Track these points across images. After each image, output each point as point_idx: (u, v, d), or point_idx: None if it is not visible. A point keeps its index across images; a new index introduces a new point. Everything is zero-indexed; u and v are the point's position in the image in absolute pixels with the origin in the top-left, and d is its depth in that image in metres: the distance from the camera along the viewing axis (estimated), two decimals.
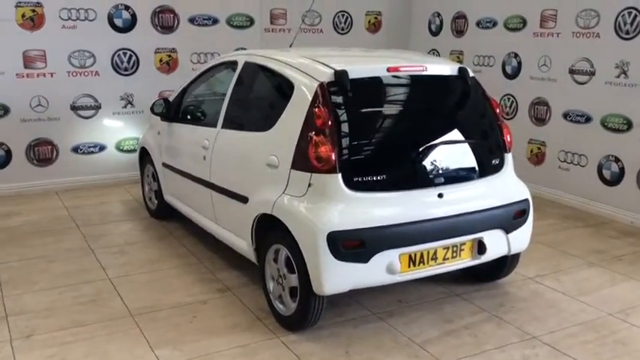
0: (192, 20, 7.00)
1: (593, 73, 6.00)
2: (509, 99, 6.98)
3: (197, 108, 4.86)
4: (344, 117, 3.54)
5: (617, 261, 4.86)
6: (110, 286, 4.24)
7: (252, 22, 7.33)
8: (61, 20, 6.35)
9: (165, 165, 5.29)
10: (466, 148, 3.88)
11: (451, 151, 3.80)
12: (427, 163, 3.60)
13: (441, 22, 7.88)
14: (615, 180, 5.88)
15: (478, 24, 7.30)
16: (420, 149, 3.64)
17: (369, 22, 8.10)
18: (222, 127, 4.34)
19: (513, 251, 4.03)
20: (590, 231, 5.58)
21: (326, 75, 3.56)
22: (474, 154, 3.88)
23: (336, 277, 3.37)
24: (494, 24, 7.07)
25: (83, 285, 4.27)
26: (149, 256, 4.84)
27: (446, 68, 4.00)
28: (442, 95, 4.03)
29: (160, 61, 6.92)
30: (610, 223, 5.78)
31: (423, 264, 3.62)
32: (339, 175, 3.39)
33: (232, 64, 4.55)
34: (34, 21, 6.22)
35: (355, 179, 3.42)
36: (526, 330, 3.73)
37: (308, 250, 3.36)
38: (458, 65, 4.02)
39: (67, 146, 6.65)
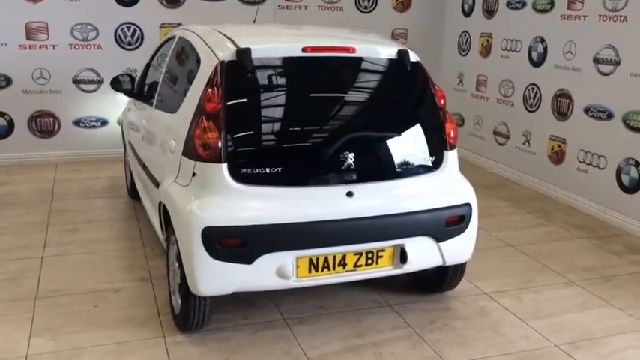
0: None
1: (617, 63, 5.22)
2: (533, 89, 6.27)
3: (148, 86, 4.66)
4: (241, 100, 3.20)
5: (603, 282, 4.20)
6: (38, 265, 4.16)
7: None
8: None
9: (128, 143, 5.15)
10: (391, 142, 3.42)
11: (370, 146, 3.38)
12: (337, 157, 3.18)
13: (474, 1, 7.20)
14: (634, 187, 5.12)
15: (508, 4, 6.60)
16: (330, 141, 3.25)
17: (397, 0, 7.55)
18: (155, 106, 4.12)
19: (450, 262, 3.56)
20: (592, 244, 4.88)
21: (228, 53, 3.23)
22: (400, 149, 3.42)
23: (213, 277, 3.07)
24: (524, 4, 6.35)
25: (14, 261, 4.22)
26: (99, 236, 4.73)
27: (382, 51, 3.53)
28: (371, 81, 3.58)
29: (165, 36, 6.76)
30: (621, 236, 5.05)
31: (329, 270, 3.24)
32: (224, 166, 3.06)
33: (172, 39, 4.30)
34: None
35: (243, 171, 3.08)
36: (442, 354, 3.26)
37: (183, 245, 3.09)
38: (397, 48, 3.54)
39: (69, 119, 6.69)
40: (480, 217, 5.15)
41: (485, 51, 7.00)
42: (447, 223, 3.43)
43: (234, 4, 6.93)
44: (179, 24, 6.72)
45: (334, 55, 3.39)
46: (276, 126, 3.28)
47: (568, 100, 5.81)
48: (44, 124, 6.59)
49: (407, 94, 3.60)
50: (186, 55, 3.85)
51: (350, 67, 3.47)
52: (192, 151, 3.13)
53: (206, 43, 3.47)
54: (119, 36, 6.63)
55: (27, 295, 3.74)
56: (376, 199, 3.28)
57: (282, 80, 3.38)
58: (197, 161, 3.11)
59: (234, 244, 3.04)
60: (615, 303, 3.89)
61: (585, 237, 5.03)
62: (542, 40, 6.11)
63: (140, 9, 6.63)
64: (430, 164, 3.45)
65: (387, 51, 3.52)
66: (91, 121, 6.77)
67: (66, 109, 6.65)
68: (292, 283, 3.19)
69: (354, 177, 3.22)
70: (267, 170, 3.11)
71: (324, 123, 3.34)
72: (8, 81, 6.40)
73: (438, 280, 3.82)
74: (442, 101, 3.57)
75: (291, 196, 3.14)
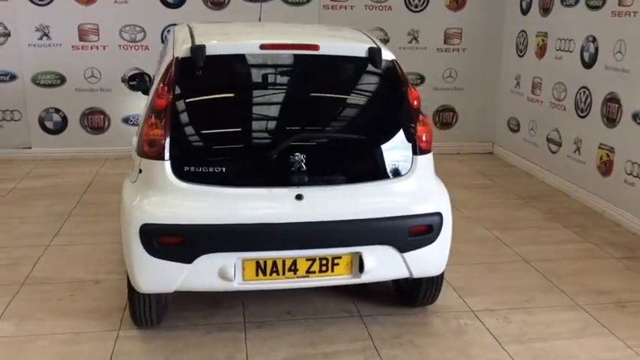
0: None
1: None
2: (584, 92, 5.74)
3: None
4: (189, 98, 3.16)
5: (616, 308, 3.75)
6: (38, 253, 4.34)
7: None
8: None
9: None
10: (349, 144, 3.24)
11: (324, 147, 3.22)
12: (286, 158, 3.05)
13: None
14: None
15: (562, 1, 6.10)
16: (280, 141, 3.11)
17: None
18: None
19: (417, 275, 3.33)
20: (623, 265, 4.38)
21: (183, 50, 3.20)
22: (360, 152, 3.25)
23: (152, 274, 3.05)
24: (577, 1, 5.84)
25: (20, 248, 4.44)
26: (108, 228, 4.87)
27: (350, 48, 3.36)
28: (334, 80, 3.40)
29: None
30: None
31: (278, 274, 3.12)
32: (167, 163, 3.03)
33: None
34: None
35: (187, 169, 3.03)
36: None
37: (124, 241, 3.08)
38: (368, 45, 3.34)
39: (118, 116, 6.98)
40: (508, 230, 4.93)
41: (541, 51, 6.51)
42: (410, 233, 3.20)
43: (278, 4, 6.93)
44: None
45: (295, 53, 3.26)
46: (224, 124, 3.20)
47: (617, 105, 5.27)
48: (95, 121, 6.93)
49: (374, 93, 3.41)
50: (163, 53, 3.86)
51: (312, 65, 3.32)
52: (140, 147, 3.13)
53: (174, 40, 3.46)
54: (165, 37, 6.82)
55: (15, 280, 3.92)
56: (328, 204, 3.11)
57: (236, 78, 3.30)
58: (143, 158, 3.10)
59: (173, 242, 3.00)
60: (618, 332, 3.45)
61: (619, 257, 4.52)
62: (594, 40, 5.58)
63: (185, 11, 6.78)
64: (395, 169, 3.23)
65: (355, 49, 3.34)
66: (138, 119, 7.00)
67: (115, 107, 6.94)
68: (237, 285, 3.10)
69: (305, 179, 3.07)
70: (212, 169, 3.04)
71: (275, 122, 3.23)
72: (62, 79, 6.78)
73: (413, 294, 3.58)
74: (415, 102, 3.33)
75: (234, 197, 3.05)
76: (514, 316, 3.62)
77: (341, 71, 3.38)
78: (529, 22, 6.75)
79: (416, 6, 7.16)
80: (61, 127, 6.92)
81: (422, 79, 7.38)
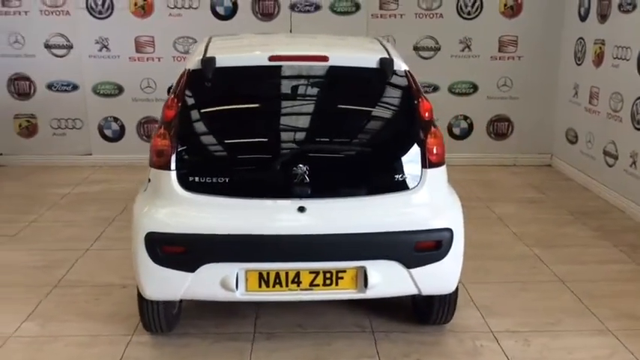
0: (293, 7, 6.92)
1: None
2: None
3: None
4: (198, 109, 3.22)
5: None
6: (76, 257, 4.54)
7: (358, 7, 6.94)
8: (168, 8, 6.85)
9: None
10: (355, 156, 3.21)
11: (329, 159, 3.20)
12: (290, 169, 3.04)
13: (589, 3, 6.41)
14: None
15: (620, 6, 5.77)
16: (284, 153, 3.12)
17: (505, 4, 6.98)
18: None
19: (427, 292, 3.23)
20: None
21: (194, 62, 3.27)
22: (366, 165, 3.20)
23: (157, 282, 3.11)
24: (635, 6, 5.52)
25: (60, 251, 4.64)
26: None
27: (360, 59, 3.32)
28: (343, 91, 3.35)
29: None
30: None
31: (281, 286, 3.12)
32: (173, 173, 3.09)
33: None
34: (144, 9, 6.84)
35: (192, 179, 3.09)
36: None
37: (132, 249, 3.16)
38: (379, 56, 3.29)
39: None
40: (551, 247, 4.71)
41: (598, 59, 6.19)
42: (417, 249, 3.11)
43: (327, 14, 6.94)
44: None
45: (304, 64, 3.26)
46: (230, 135, 3.21)
47: None
48: (150, 130, 7.17)
49: (384, 105, 3.34)
50: None
51: (321, 76, 3.31)
52: (150, 157, 3.21)
53: (191, 53, 3.53)
54: None
55: (48, 282, 4.10)
56: (331, 216, 3.08)
57: (244, 90, 3.32)
58: (152, 167, 3.18)
59: (176, 251, 3.06)
60: None
61: None
62: None
63: (236, 22, 6.92)
64: (403, 182, 3.15)
65: (365, 59, 3.30)
66: None
67: None
68: (240, 296, 3.12)
69: (308, 191, 3.06)
70: (216, 179, 3.08)
71: (281, 134, 3.22)
72: (120, 89, 7.07)
73: (426, 312, 3.48)
74: (427, 114, 3.24)
75: (237, 207, 3.07)
76: (535, 339, 3.44)
77: (350, 82, 3.33)
78: (587, 29, 6.44)
79: (468, 13, 6.98)
80: (119, 135, 7.22)
81: (475, 87, 7.19)
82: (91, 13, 6.85)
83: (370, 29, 6.97)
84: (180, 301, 3.58)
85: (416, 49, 7.07)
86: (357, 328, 3.55)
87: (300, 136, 3.22)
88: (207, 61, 3.20)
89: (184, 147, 3.12)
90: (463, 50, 7.09)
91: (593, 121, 6.32)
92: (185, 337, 3.45)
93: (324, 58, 3.24)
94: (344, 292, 3.17)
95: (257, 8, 6.93)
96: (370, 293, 3.15)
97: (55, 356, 3.27)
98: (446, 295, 3.34)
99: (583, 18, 6.54)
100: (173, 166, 3.09)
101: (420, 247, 3.12)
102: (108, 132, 7.21)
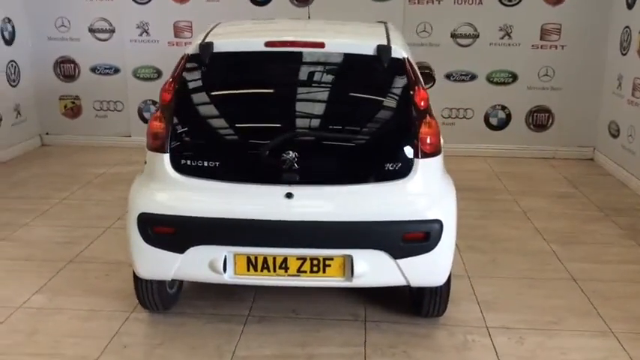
0: None
1: None
2: None
3: None
4: (193, 93, 3.27)
5: None
6: (96, 234, 4.71)
7: None
8: None
9: None
10: (345, 144, 3.19)
11: (319, 146, 3.18)
12: (279, 155, 3.06)
13: None
14: None
15: None
16: (276, 139, 3.12)
17: None
18: None
19: (415, 284, 3.20)
20: None
21: (193, 46, 3.32)
22: (356, 153, 3.17)
23: (148, 261, 3.20)
24: None
25: (83, 228, 4.83)
26: None
27: (357, 46, 3.29)
28: (338, 78, 3.33)
29: None
30: None
31: (269, 271, 3.15)
32: (167, 156, 3.17)
33: None
34: None
35: (184, 162, 3.15)
36: None
37: (126, 228, 3.26)
38: (377, 43, 3.24)
39: None
40: (571, 244, 4.57)
41: None
42: (405, 239, 3.07)
43: (364, 1, 6.86)
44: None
45: (300, 50, 3.25)
46: (222, 120, 3.26)
47: None
48: None
49: (378, 92, 3.29)
50: None
51: (317, 62, 3.29)
52: (147, 140, 3.29)
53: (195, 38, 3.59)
54: None
55: (65, 257, 4.28)
56: (318, 203, 3.08)
57: (240, 75, 3.33)
58: (149, 150, 3.26)
59: (166, 232, 3.13)
60: None
61: None
62: None
63: (272, 7, 6.96)
64: (393, 171, 3.11)
65: (362, 46, 3.26)
66: None
67: None
68: (228, 279, 3.17)
69: (296, 177, 3.07)
70: (207, 163, 3.13)
71: (272, 119, 3.22)
72: (159, 73, 7.25)
73: (418, 304, 3.44)
74: (422, 103, 3.18)
75: (226, 191, 3.11)
76: (531, 338, 3.35)
77: (346, 69, 3.31)
78: (634, 17, 6.12)
79: (509, 0, 6.76)
80: None
81: (514, 77, 6.98)
82: None
83: (407, 16, 6.87)
84: (181, 281, 3.69)
85: (453, 36, 6.92)
86: (350, 317, 3.55)
87: (292, 122, 3.22)
88: (205, 46, 3.24)
89: (178, 130, 3.18)
90: (503, 38, 6.88)
91: (635, 114, 6.02)
92: (181, 316, 3.54)
93: (321, 45, 3.23)
94: (331, 279, 3.17)
95: None
96: (357, 282, 3.14)
97: (56, 328, 3.41)
98: (437, 288, 3.29)
99: (630, 5, 6.22)
100: (167, 148, 3.16)
101: (408, 238, 3.08)
102: (147, 114, 7.41)
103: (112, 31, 7.16)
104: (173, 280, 3.49)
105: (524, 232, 4.86)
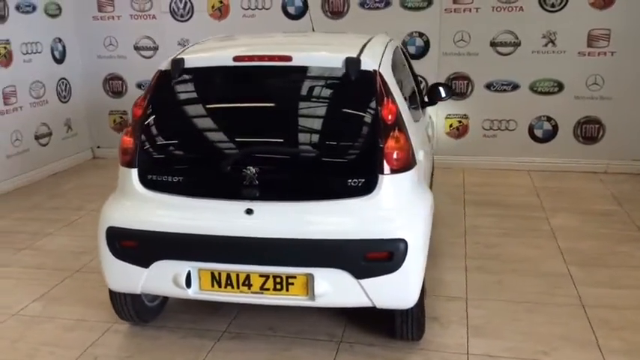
0: (362, 4, 6.80)
1: None
2: None
3: None
4: (161, 109, 3.29)
5: None
6: None
7: (430, 1, 6.64)
8: (242, 10, 7.08)
9: None
10: (307, 160, 3.11)
11: (280, 162, 3.11)
12: (242, 171, 3.01)
13: None
14: None
15: None
16: (235, 154, 3.10)
17: None
18: None
19: (381, 306, 3.06)
20: None
21: (166, 62, 3.35)
22: (318, 169, 3.08)
23: (117, 275, 3.25)
24: None
25: None
26: None
27: (324, 59, 3.21)
28: (304, 92, 3.24)
29: None
30: None
31: (232, 287, 3.12)
32: (135, 171, 3.21)
33: None
34: (221, 11, 7.13)
35: (150, 177, 3.18)
36: None
37: (97, 242, 3.31)
38: (345, 55, 3.13)
39: None
40: (593, 267, 4.26)
41: None
42: (367, 259, 2.94)
43: (397, 10, 6.72)
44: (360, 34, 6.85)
45: (268, 65, 3.19)
46: (188, 136, 3.25)
47: None
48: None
49: (343, 107, 3.18)
50: None
51: (284, 76, 3.22)
52: (118, 155, 3.35)
53: None
54: None
55: (72, 268, 4.42)
56: (278, 220, 3.01)
57: (208, 90, 3.32)
58: (120, 165, 3.31)
59: (132, 246, 3.16)
60: None
61: None
62: None
63: (306, 21, 6.89)
64: (356, 188, 2.98)
65: (329, 59, 3.18)
66: None
67: None
68: (193, 294, 3.16)
69: (256, 193, 3.01)
70: (171, 178, 3.15)
71: (235, 135, 3.18)
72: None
73: (392, 327, 3.27)
74: (389, 117, 3.04)
75: (189, 206, 3.11)
76: None
77: (313, 83, 3.22)
78: None
79: (552, 5, 6.40)
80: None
81: (560, 86, 6.59)
82: (173, 17, 7.26)
83: (443, 25, 6.67)
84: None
85: (493, 44, 6.63)
86: (325, 337, 3.43)
87: (254, 137, 3.17)
88: (176, 62, 3.27)
89: (146, 146, 3.21)
90: (546, 45, 6.51)
91: None
92: (159, 329, 3.56)
93: (288, 58, 3.17)
94: (294, 298, 3.08)
95: (326, 7, 6.90)
96: (320, 302, 3.04)
97: (39, 336, 3.52)
98: (407, 311, 3.12)
99: None
100: (135, 163, 3.20)
101: (370, 258, 2.95)
102: None
103: (156, 48, 7.40)
104: (153, 294, 3.51)
105: (545, 251, 4.55)
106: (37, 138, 6.89)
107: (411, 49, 6.83)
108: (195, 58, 3.30)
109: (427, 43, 6.79)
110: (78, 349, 3.38)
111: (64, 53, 7.32)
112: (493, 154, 6.89)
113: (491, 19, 6.56)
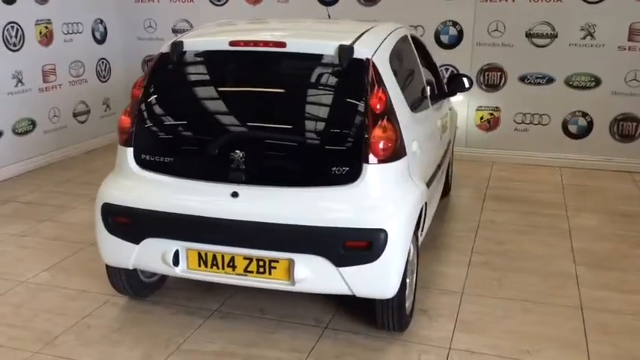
0: None
1: None
2: None
3: None
4: (158, 90, 3.37)
5: None
6: None
7: None
8: None
9: None
10: (294, 146, 3.14)
11: (267, 147, 3.16)
12: (229, 154, 3.07)
13: None
14: None
15: None
16: (225, 138, 3.15)
17: None
18: None
19: (360, 294, 3.07)
20: None
21: (167, 45, 3.42)
22: (304, 155, 3.11)
23: (110, 249, 3.36)
24: None
25: None
26: None
27: (318, 46, 3.20)
28: (295, 78, 3.25)
29: None
30: None
31: (218, 268, 3.19)
32: (130, 150, 3.31)
33: None
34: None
35: (144, 157, 3.27)
36: None
37: (94, 217, 3.43)
38: (339, 43, 3.13)
39: None
40: (602, 269, 4.16)
41: None
42: (346, 247, 2.95)
43: None
44: (374, 21, 6.79)
45: (262, 50, 3.22)
46: (182, 117, 3.31)
47: None
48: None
49: (333, 94, 3.17)
50: None
51: (278, 62, 3.24)
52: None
53: None
54: None
55: (86, 240, 4.53)
56: (262, 204, 3.05)
57: (204, 74, 3.39)
58: (119, 144, 3.42)
59: (124, 222, 3.27)
60: None
61: None
62: None
63: (340, 7, 6.92)
64: (340, 176, 2.99)
65: (323, 46, 3.17)
66: None
67: None
68: (180, 273, 3.24)
69: (242, 177, 3.06)
70: (164, 159, 3.23)
71: (226, 119, 3.25)
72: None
73: (374, 316, 3.27)
74: (378, 106, 3.02)
75: (178, 187, 3.18)
76: None
77: (305, 69, 3.22)
78: None
79: None
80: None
81: (597, 81, 6.35)
82: (210, 0, 7.36)
83: (478, 14, 6.53)
84: None
85: (529, 36, 6.44)
86: (312, 322, 3.46)
87: (243, 122, 3.21)
88: (175, 45, 3.34)
89: (141, 126, 3.30)
90: (584, 38, 6.28)
91: None
92: (155, 304, 3.67)
93: (282, 44, 3.19)
94: (277, 282, 3.13)
95: None
96: (299, 287, 3.08)
97: (41, 303, 3.69)
98: (388, 301, 3.11)
99: None
100: (131, 143, 3.30)
101: (350, 246, 2.96)
102: None
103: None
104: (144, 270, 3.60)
105: (556, 250, 4.43)
106: (75, 115, 7.15)
107: (444, 39, 6.73)
108: (193, 42, 3.36)
109: (461, 33, 6.66)
110: (74, 317, 3.52)
111: (105, 34, 7.55)
112: (524, 148, 6.72)
113: (528, 10, 6.37)
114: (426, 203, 3.46)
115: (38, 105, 6.59)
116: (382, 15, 6.75)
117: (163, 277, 3.84)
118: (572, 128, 6.56)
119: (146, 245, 3.23)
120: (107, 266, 3.53)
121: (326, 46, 3.16)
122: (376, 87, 3.06)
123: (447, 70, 6.75)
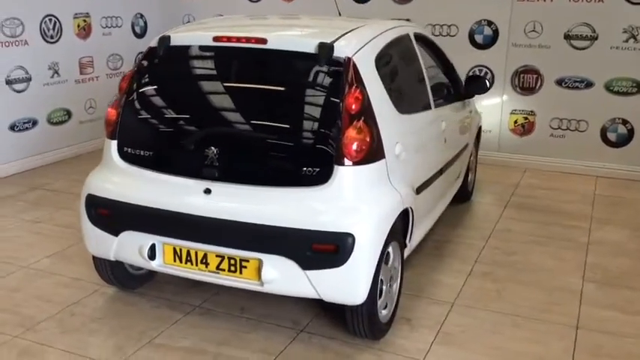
0: None
1: None
2: None
3: None
4: (144, 85, 3.39)
5: None
6: None
7: None
8: None
9: None
10: (267, 144, 3.09)
11: (241, 144, 3.14)
12: (203, 150, 3.06)
13: None
14: None
15: None
16: (200, 134, 3.14)
17: None
18: None
19: (327, 299, 3.01)
20: None
21: (155, 40, 3.44)
22: (276, 154, 3.07)
23: (93, 240, 3.41)
24: None
25: None
26: None
27: (298, 44, 3.13)
28: (274, 75, 3.18)
29: None
30: None
31: (191, 264, 3.19)
32: (114, 142, 3.35)
33: None
34: None
35: (126, 150, 3.31)
36: None
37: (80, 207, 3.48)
38: (319, 41, 3.05)
39: None
40: (613, 287, 3.96)
41: None
42: (313, 250, 2.88)
43: None
44: (407, 20, 6.65)
45: (244, 46, 3.18)
46: (162, 112, 3.33)
47: None
48: None
49: (310, 93, 3.09)
50: None
51: (259, 59, 3.19)
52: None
53: None
54: None
55: None
56: (233, 202, 3.02)
57: (188, 68, 3.37)
58: (105, 137, 3.46)
59: (104, 214, 3.31)
60: None
61: None
62: None
63: (374, 5, 6.82)
64: (311, 177, 2.92)
65: (302, 44, 3.10)
66: None
67: None
68: (156, 267, 3.26)
69: (215, 174, 3.04)
70: (143, 153, 3.26)
71: (205, 114, 3.22)
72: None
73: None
74: (354, 107, 2.92)
75: (155, 181, 3.19)
76: None
77: (284, 66, 3.15)
78: None
79: None
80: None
81: (639, 87, 5.97)
82: None
83: (514, 14, 6.28)
84: None
85: (567, 37, 6.14)
86: (290, 324, 3.40)
87: (218, 118, 3.19)
88: (162, 40, 3.35)
89: (125, 119, 3.33)
90: (627, 41, 5.93)
91: None
92: (141, 296, 3.70)
93: (263, 41, 3.14)
94: (246, 281, 3.09)
95: None
96: (268, 288, 3.03)
97: (35, 289, 3.80)
98: (357, 307, 3.02)
99: None
100: (115, 136, 3.34)
101: (317, 249, 2.88)
102: None
103: None
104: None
105: (567, 265, 4.19)
106: None
107: (478, 39, 6.51)
108: (179, 37, 3.36)
109: (496, 33, 6.42)
110: (61, 305, 3.60)
111: (145, 28, 7.71)
112: (560, 155, 6.41)
113: (567, 10, 6.07)
114: (411, 209, 3.34)
115: (74, 96, 6.79)
116: (415, 14, 6.62)
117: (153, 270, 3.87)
118: (612, 136, 6.21)
119: (124, 237, 3.25)
120: (93, 257, 3.59)
121: (306, 44, 3.08)
122: (354, 87, 2.97)
123: (480, 71, 6.53)
